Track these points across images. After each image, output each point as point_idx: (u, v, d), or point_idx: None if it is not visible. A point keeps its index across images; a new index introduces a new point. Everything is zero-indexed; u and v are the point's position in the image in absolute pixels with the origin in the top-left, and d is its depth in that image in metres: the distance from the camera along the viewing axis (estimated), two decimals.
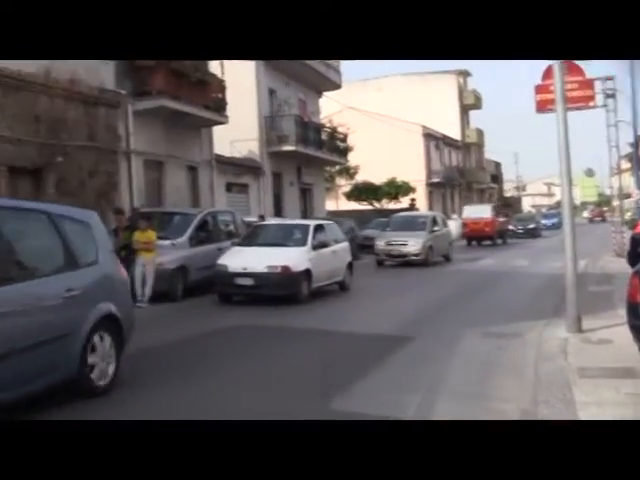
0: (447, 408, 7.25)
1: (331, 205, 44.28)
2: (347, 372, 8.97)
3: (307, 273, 16.12)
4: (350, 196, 48.46)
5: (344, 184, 48.81)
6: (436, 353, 10.25)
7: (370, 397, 7.82)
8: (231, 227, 20.26)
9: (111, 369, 8.00)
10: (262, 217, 23.99)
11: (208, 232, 18.82)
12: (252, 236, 17.96)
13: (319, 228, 17.98)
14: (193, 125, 23.53)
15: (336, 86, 37.20)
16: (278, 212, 30.62)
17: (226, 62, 24.69)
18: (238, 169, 27.93)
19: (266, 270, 15.48)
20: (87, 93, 18.49)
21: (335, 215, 36.80)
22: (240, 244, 17.33)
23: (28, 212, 7.59)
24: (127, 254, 15.77)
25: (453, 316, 13.92)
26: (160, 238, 16.34)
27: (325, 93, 38.17)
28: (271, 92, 31.12)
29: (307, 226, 17.80)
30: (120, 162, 19.68)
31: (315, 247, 16.94)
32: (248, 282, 15.56)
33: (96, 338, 7.68)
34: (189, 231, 17.78)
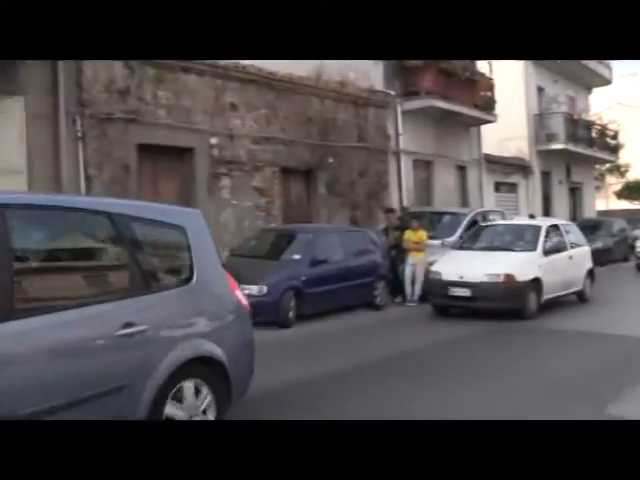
0: None
1: (601, 204, 40.89)
2: (619, 376, 8.03)
3: (536, 283, 12.65)
4: (621, 195, 44.98)
5: (615, 183, 45.04)
6: None
7: None
8: None
9: None
10: (532, 217, 21.99)
11: None
12: (472, 239, 14.58)
13: (553, 229, 14.28)
14: (462, 124, 22.24)
15: (606, 82, 34.03)
16: (547, 212, 28.40)
17: (494, 61, 22.89)
18: (507, 168, 26.15)
19: (486, 279, 12.32)
20: (357, 94, 17.81)
21: (605, 214, 34.92)
22: (459, 248, 14.28)
23: (71, 212, 4.78)
24: (397, 254, 15.03)
25: None
26: (430, 238, 15.11)
27: (595, 89, 35.15)
28: (539, 90, 29.05)
29: (538, 227, 14.03)
30: (389, 162, 18.90)
31: (547, 252, 13.33)
32: (464, 293, 12.46)
33: (169, 407, 4.93)
34: (459, 231, 16.31)
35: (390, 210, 16.60)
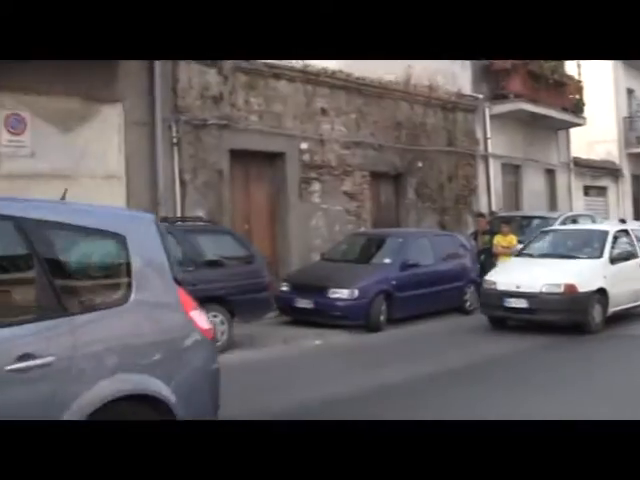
0: None
1: None
2: None
3: (601, 294, 11.16)
4: None
5: None
6: None
7: None
8: None
9: None
10: (623, 221, 20.98)
11: None
12: (532, 245, 13.04)
13: (622, 234, 12.58)
14: (550, 127, 21.48)
15: None
16: (637, 215, 27.14)
17: (583, 62, 22.05)
18: (596, 171, 25.18)
19: (544, 289, 10.93)
20: (445, 98, 17.38)
21: None
22: (518, 255, 12.98)
23: None
24: (486, 258, 14.40)
25: None
26: (520, 242, 14.32)
27: None
28: (629, 91, 27.88)
29: (605, 232, 12.34)
30: (478, 166, 18.41)
31: (614, 260, 11.76)
32: (521, 304, 11.09)
33: None
34: None
35: (480, 214, 16.17)
